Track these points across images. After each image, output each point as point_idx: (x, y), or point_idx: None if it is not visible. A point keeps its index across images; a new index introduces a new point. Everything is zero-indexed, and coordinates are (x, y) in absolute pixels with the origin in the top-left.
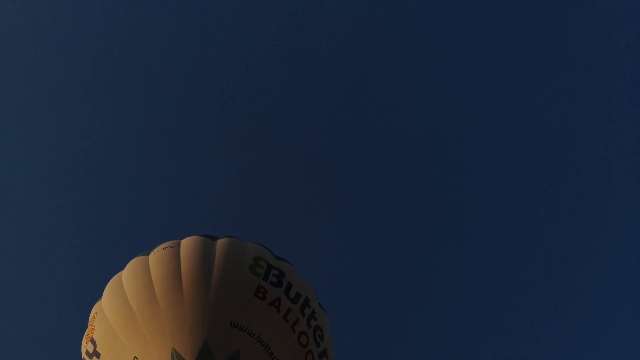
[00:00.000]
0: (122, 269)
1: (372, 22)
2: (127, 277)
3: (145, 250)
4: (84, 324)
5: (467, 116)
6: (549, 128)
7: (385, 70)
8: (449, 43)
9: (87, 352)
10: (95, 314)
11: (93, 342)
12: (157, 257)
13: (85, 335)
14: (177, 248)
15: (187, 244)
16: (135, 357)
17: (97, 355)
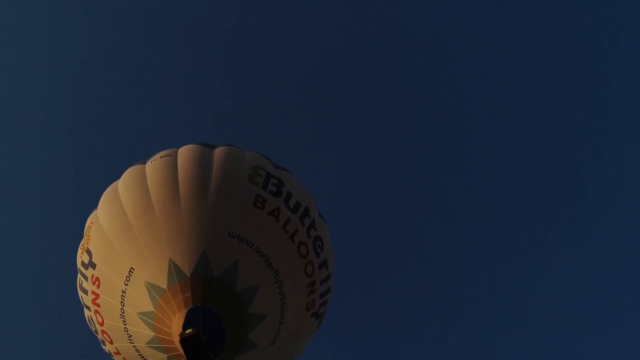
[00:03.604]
0: (119, 178)
1: None
2: (123, 186)
3: (142, 159)
4: (79, 234)
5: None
6: None
7: None
8: None
9: (83, 263)
10: (90, 224)
11: (89, 252)
12: (154, 165)
13: (80, 246)
14: (175, 156)
15: (185, 153)
16: (131, 267)
17: (93, 266)
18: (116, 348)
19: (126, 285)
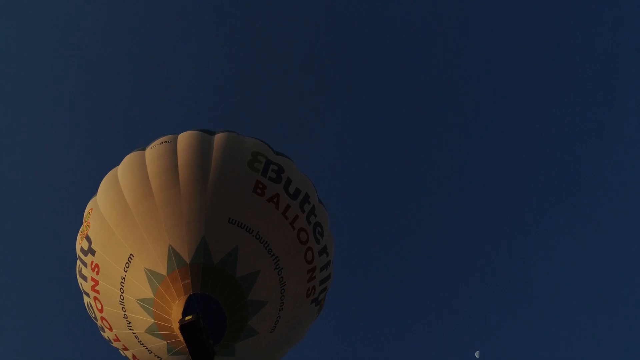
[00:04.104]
0: (118, 163)
1: None
2: (122, 173)
3: (141, 145)
4: (79, 221)
5: None
6: None
7: None
8: None
9: (82, 249)
10: (90, 210)
11: (88, 239)
12: (153, 152)
13: (80, 232)
14: (174, 143)
15: (184, 139)
16: (131, 254)
17: (92, 252)
18: (115, 335)
19: (126, 272)
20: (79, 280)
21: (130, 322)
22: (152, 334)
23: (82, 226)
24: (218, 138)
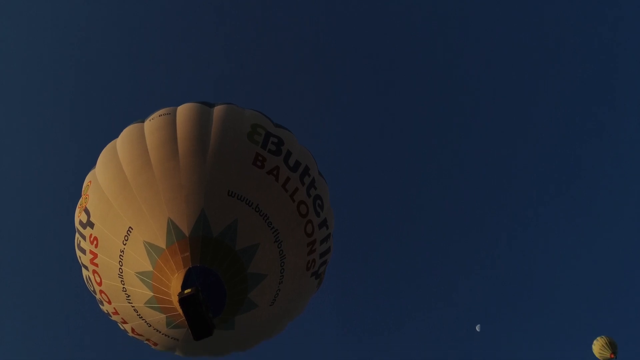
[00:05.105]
0: (117, 136)
1: None
2: (121, 145)
3: (141, 117)
4: (77, 193)
5: None
6: None
7: None
8: None
9: (81, 222)
10: (88, 183)
11: (87, 211)
12: (152, 124)
13: (78, 205)
14: (173, 115)
15: (184, 111)
16: (130, 227)
17: (91, 225)
18: (114, 308)
19: (124, 244)
20: (78, 253)
21: (129, 296)
22: (151, 307)
23: (81, 199)
24: (217, 110)
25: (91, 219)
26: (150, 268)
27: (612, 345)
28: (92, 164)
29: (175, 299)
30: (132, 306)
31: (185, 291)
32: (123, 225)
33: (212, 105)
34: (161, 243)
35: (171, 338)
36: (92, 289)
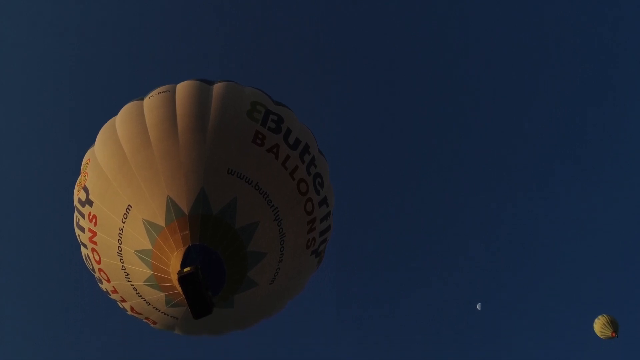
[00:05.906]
0: (116, 114)
1: None
2: (120, 122)
3: (140, 95)
4: (76, 171)
5: None
6: None
7: None
8: None
9: (80, 200)
10: (87, 161)
11: (85, 189)
12: (151, 101)
13: (77, 183)
14: (173, 92)
15: (183, 88)
16: (129, 205)
17: (90, 203)
18: (113, 286)
19: (124, 223)
20: (77, 231)
21: (128, 274)
22: (150, 286)
23: (80, 177)
24: (217, 88)
25: (90, 196)
26: (150, 246)
27: (613, 324)
28: (91, 142)
29: (174, 278)
30: (131, 284)
31: (185, 269)
32: (122, 203)
33: (211, 83)
34: (160, 221)
35: (170, 317)
36: (91, 267)
